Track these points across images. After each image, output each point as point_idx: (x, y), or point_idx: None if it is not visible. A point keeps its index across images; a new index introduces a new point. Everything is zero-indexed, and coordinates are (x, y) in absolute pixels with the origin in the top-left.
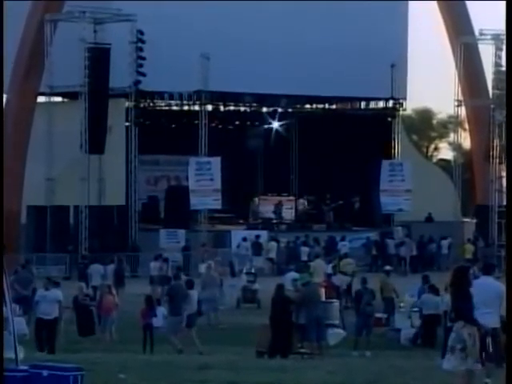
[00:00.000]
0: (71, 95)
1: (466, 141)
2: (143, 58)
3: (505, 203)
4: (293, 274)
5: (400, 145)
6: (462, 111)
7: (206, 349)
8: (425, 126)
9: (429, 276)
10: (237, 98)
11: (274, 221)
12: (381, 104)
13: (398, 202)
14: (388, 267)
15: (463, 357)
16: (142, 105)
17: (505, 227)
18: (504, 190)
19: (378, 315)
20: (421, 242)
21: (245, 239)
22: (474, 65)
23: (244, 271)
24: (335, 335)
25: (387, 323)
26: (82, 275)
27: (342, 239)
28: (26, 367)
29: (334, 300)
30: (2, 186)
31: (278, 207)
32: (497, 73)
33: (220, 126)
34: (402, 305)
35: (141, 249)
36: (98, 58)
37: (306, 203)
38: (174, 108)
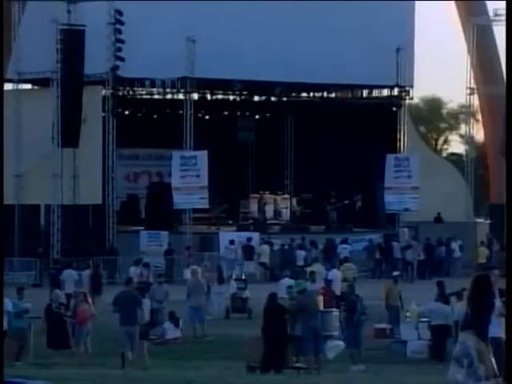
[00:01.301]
0: (42, 82)
1: (479, 133)
2: (122, 41)
3: None
4: (287, 281)
5: (406, 137)
6: (475, 100)
7: (192, 364)
8: (434, 117)
9: (443, 282)
10: (225, 85)
11: (269, 221)
12: (385, 92)
13: (404, 200)
14: (396, 273)
15: (470, 373)
16: (120, 93)
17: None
18: None
19: (382, 326)
20: (429, 244)
21: (232, 242)
22: (488, 49)
23: (233, 277)
24: (334, 348)
25: (392, 334)
26: (54, 282)
27: (343, 242)
28: None
29: (334, 309)
30: (2, 185)
31: (261, 205)
32: None
33: (207, 117)
34: (408, 314)
35: (119, 252)
36: (72, 41)
37: (298, 202)
38: (156, 97)
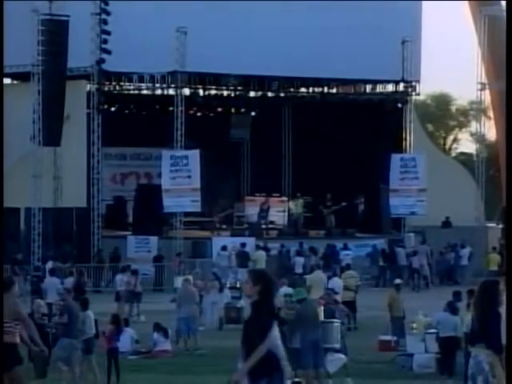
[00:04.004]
0: (22, 76)
1: (490, 131)
2: (108, 33)
3: None
4: (287, 289)
5: (412, 136)
6: (486, 96)
7: (183, 378)
8: (442, 114)
9: (461, 293)
10: (219, 80)
11: (263, 226)
12: (390, 87)
13: (411, 203)
14: (398, 281)
15: None
16: (106, 88)
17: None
18: None
19: (387, 338)
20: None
21: (224, 248)
22: (500, 41)
23: (227, 286)
24: (335, 361)
25: (397, 347)
26: (35, 290)
27: (344, 248)
28: None
29: (335, 320)
30: (2, 185)
31: (264, 209)
32: None
33: (199, 114)
34: (414, 326)
35: (105, 259)
36: (55, 33)
37: (301, 205)
38: (145, 92)
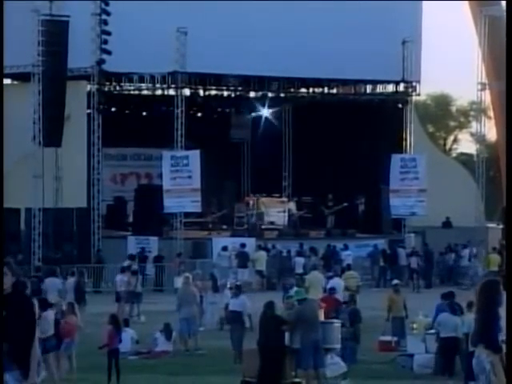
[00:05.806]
0: (22, 77)
1: (490, 131)
2: (108, 33)
3: None
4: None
5: (413, 136)
6: (486, 96)
7: (183, 379)
8: (442, 114)
9: (454, 293)
10: (219, 80)
11: (265, 226)
12: (390, 88)
13: (411, 204)
14: (396, 281)
15: None
16: (106, 88)
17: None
18: None
19: (387, 338)
20: (428, 251)
21: (225, 248)
22: (501, 41)
23: (227, 286)
24: (335, 367)
25: (398, 347)
26: (35, 291)
27: (345, 248)
28: None
29: (335, 320)
30: (2, 185)
31: (257, 209)
32: None
33: (199, 114)
34: (414, 326)
35: (105, 259)
36: (55, 33)
37: (297, 206)
38: (145, 92)
